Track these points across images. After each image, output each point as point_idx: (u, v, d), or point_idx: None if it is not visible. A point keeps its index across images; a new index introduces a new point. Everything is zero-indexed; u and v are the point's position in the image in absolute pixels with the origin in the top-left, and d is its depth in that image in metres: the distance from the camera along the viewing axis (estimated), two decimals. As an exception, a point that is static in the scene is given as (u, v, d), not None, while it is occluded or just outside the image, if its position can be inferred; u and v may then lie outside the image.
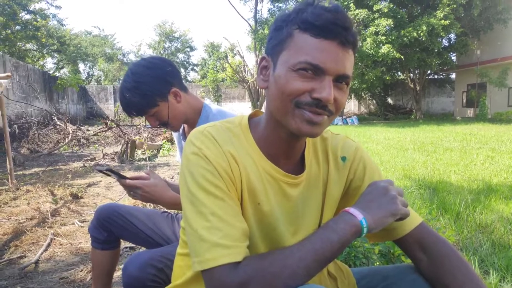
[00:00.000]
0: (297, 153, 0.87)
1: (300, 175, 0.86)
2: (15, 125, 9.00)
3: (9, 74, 4.61)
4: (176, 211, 1.67)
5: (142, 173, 1.37)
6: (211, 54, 24.07)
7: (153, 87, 1.32)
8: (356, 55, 0.78)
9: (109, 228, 1.52)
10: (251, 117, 0.89)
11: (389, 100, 24.95)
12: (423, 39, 16.51)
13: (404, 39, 16.51)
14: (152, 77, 1.33)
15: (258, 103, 19.60)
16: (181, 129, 1.59)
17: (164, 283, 1.15)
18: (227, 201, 0.74)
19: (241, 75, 20.26)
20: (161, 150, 8.01)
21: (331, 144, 0.92)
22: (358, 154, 0.93)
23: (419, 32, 16.27)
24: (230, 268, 0.68)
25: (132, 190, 1.29)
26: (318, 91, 0.72)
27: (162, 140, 8.96)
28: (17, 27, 20.28)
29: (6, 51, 17.42)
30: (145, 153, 7.28)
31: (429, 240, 0.84)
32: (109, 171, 1.30)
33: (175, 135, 1.68)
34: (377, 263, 1.60)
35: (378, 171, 0.94)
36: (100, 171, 1.29)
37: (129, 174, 5.48)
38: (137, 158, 6.98)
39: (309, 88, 0.73)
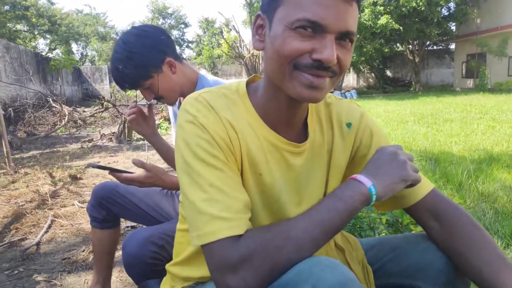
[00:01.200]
0: (299, 120, 0.81)
1: (303, 143, 0.80)
2: (10, 108, 8.88)
3: (0, 55, 4.49)
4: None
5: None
6: (206, 30, 23.63)
7: (147, 57, 1.24)
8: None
9: (108, 207, 1.49)
10: (248, 83, 0.83)
11: (388, 73, 24.69)
12: (422, 9, 16.18)
13: (403, 9, 16.18)
14: (145, 46, 1.24)
15: (255, 79, 19.34)
16: (177, 103, 1.53)
17: (165, 260, 1.11)
18: (226, 172, 0.69)
19: (237, 51, 19.92)
20: (158, 129, 7.95)
21: (335, 110, 0.86)
22: (363, 120, 0.88)
23: (418, 1, 15.92)
24: (231, 241, 0.63)
25: (129, 184, 1.25)
26: (319, 51, 0.65)
27: (160, 119, 8.88)
28: (6, 7, 19.78)
29: (-4, 32, 17.05)
30: (143, 132, 7.20)
31: (442, 207, 0.80)
32: (101, 168, 1.27)
33: (170, 112, 1.62)
34: (384, 233, 1.58)
35: (385, 138, 0.88)
36: (92, 167, 1.24)
37: (127, 154, 5.45)
38: (135, 138, 6.92)
39: (308, 48, 0.65)
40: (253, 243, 0.63)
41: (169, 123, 8.43)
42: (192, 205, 0.67)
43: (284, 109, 0.77)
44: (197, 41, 30.20)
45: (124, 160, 5.02)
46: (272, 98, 0.76)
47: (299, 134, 0.82)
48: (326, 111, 0.86)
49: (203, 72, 1.43)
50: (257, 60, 19.39)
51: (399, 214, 1.63)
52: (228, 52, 20.70)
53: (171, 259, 1.08)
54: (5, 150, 4.53)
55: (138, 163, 1.25)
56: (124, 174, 1.24)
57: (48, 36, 27.31)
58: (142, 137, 6.83)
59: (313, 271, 0.58)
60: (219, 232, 0.64)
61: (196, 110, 0.72)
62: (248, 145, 0.74)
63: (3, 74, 11.06)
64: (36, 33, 24.99)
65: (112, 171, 1.24)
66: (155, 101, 1.39)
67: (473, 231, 0.76)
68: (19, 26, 22.77)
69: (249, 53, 19.34)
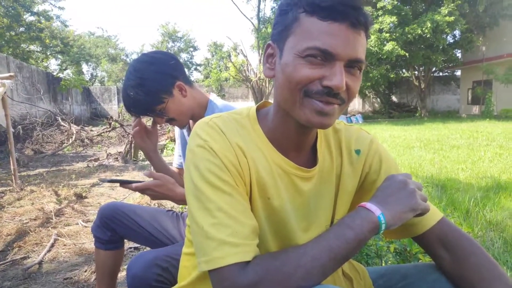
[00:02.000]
0: (308, 145, 0.82)
1: (312, 169, 0.81)
2: (19, 126, 9.00)
3: (12, 74, 4.59)
4: (181, 209, 1.64)
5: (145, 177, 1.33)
6: (214, 53, 24.06)
7: (158, 83, 1.27)
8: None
9: (113, 227, 1.48)
10: (259, 108, 0.85)
11: (394, 98, 24.78)
12: (428, 36, 16.39)
13: (409, 36, 16.41)
14: (156, 73, 1.27)
15: (261, 102, 19.51)
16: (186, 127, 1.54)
17: (169, 283, 1.10)
18: (235, 196, 0.70)
19: (244, 74, 20.20)
20: (164, 150, 7.99)
21: (345, 136, 0.87)
22: (373, 147, 0.88)
23: (423, 29, 16.15)
24: (239, 267, 0.63)
25: (143, 192, 1.25)
26: (329, 78, 0.67)
27: (166, 139, 8.93)
28: (21, 29, 20.37)
29: (10, 52, 17.51)
30: (149, 152, 7.23)
31: (451, 237, 0.79)
32: (112, 181, 1.29)
33: (176, 133, 1.64)
34: (392, 262, 1.54)
35: (395, 165, 0.89)
36: (103, 182, 1.27)
37: (133, 174, 5.45)
38: (140, 158, 6.95)
39: (318, 75, 0.67)
40: (262, 270, 0.62)
41: (175, 144, 8.47)
42: (200, 230, 0.67)
43: (294, 134, 0.78)
44: (205, 64, 30.73)
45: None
46: (282, 123, 0.78)
47: (308, 159, 0.83)
48: (335, 137, 0.87)
49: (213, 96, 1.45)
50: (263, 84, 19.63)
51: (408, 243, 1.60)
52: (235, 75, 20.99)
53: (175, 282, 1.07)
54: (12, 167, 4.56)
55: (147, 174, 1.27)
56: (135, 184, 1.24)
57: (60, 56, 27.96)
58: (148, 157, 6.86)
59: None
60: (227, 257, 0.64)
61: (207, 134, 0.74)
62: (257, 170, 0.75)
63: (15, 93, 11.28)
64: (48, 53, 25.59)
65: (123, 183, 1.25)
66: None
67: (484, 262, 0.75)
68: (32, 47, 23.37)
69: (256, 76, 19.60)
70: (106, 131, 9.90)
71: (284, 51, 0.71)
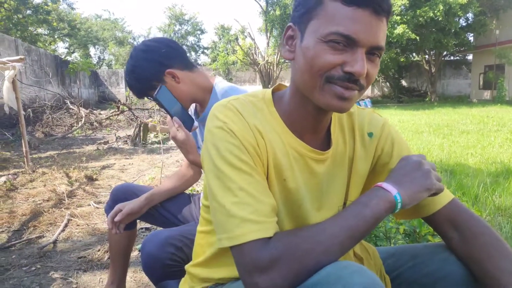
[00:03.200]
0: (323, 128, 0.83)
1: (326, 151, 0.82)
2: (29, 109, 9.09)
3: (22, 57, 4.62)
4: (191, 191, 1.65)
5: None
6: (221, 36, 23.82)
7: (147, 71, 1.32)
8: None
9: (126, 208, 1.51)
10: (274, 91, 0.85)
11: (403, 83, 24.47)
12: (440, 19, 16.04)
13: (420, 19, 16.06)
14: (146, 60, 1.32)
15: (269, 86, 19.43)
16: (193, 109, 1.56)
17: (183, 261, 1.13)
18: (255, 176, 0.71)
19: (252, 58, 20.05)
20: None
21: (358, 120, 0.88)
22: (385, 130, 0.89)
23: (435, 11, 15.79)
24: (261, 243, 0.65)
25: (177, 128, 1.22)
26: (351, 65, 0.67)
27: (174, 123, 8.96)
28: (28, 12, 20.32)
29: (18, 35, 17.51)
30: (157, 136, 7.30)
31: (461, 217, 0.80)
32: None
33: None
34: (401, 243, 1.56)
35: (407, 147, 0.89)
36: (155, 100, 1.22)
37: (142, 156, 5.51)
38: (149, 141, 7.01)
39: (340, 61, 0.68)
40: (282, 246, 0.64)
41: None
42: (222, 208, 0.69)
43: (310, 117, 0.79)
44: (213, 48, 30.46)
45: (139, 163, 5.09)
46: (298, 106, 0.78)
47: (323, 141, 0.84)
48: (349, 120, 0.88)
49: (218, 79, 1.45)
50: (271, 67, 19.49)
51: (417, 224, 1.62)
52: (243, 58, 20.85)
53: (188, 260, 1.10)
54: (24, 149, 4.64)
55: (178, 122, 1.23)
56: (174, 125, 1.22)
57: (67, 39, 27.93)
58: (156, 141, 6.91)
59: (342, 274, 0.59)
60: (249, 234, 0.66)
61: (226, 116, 0.75)
62: (274, 151, 0.76)
63: (24, 76, 11.35)
64: (56, 36, 25.57)
65: (167, 111, 1.23)
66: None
67: (493, 241, 0.76)
68: (40, 30, 23.35)
69: (264, 60, 19.44)
70: (115, 115, 9.97)
71: (305, 34, 0.71)
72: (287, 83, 0.87)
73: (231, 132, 0.73)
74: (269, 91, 0.84)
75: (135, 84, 1.34)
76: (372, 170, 0.89)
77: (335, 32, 0.66)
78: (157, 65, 1.31)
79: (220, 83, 1.40)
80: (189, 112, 1.56)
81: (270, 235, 0.67)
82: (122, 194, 1.52)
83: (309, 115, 0.78)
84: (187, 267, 0.97)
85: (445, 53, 20.83)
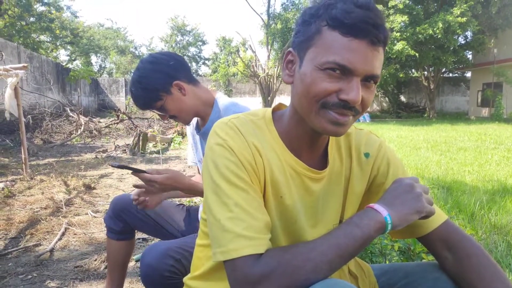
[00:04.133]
0: (320, 148, 0.86)
1: (323, 170, 0.84)
2: (29, 116, 9.12)
3: (25, 64, 4.66)
4: (188, 202, 1.67)
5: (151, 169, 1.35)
6: (222, 48, 24.01)
7: (154, 81, 1.34)
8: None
9: (125, 219, 1.53)
10: (274, 110, 0.89)
11: (402, 98, 24.64)
12: (439, 36, 16.23)
13: (419, 36, 16.26)
14: (154, 71, 1.34)
15: (269, 98, 19.53)
16: (194, 123, 1.58)
17: (181, 273, 1.15)
18: (251, 193, 0.74)
19: (252, 70, 20.20)
20: (172, 144, 8.06)
21: (355, 140, 0.91)
22: (382, 151, 0.91)
23: (435, 29, 16.00)
24: (253, 259, 0.67)
25: (150, 184, 1.29)
26: (346, 92, 0.70)
27: (173, 133, 9.00)
28: (32, 19, 20.53)
29: (20, 42, 17.64)
30: (156, 145, 7.32)
31: (454, 238, 0.82)
32: (122, 167, 1.32)
33: (188, 131, 1.68)
34: (396, 260, 1.57)
35: (403, 168, 0.92)
36: (113, 167, 1.30)
37: (140, 166, 5.52)
38: (148, 151, 7.02)
39: (336, 88, 0.71)
40: (273, 262, 0.66)
41: (183, 137, 8.54)
42: (217, 223, 0.71)
43: (307, 137, 0.82)
44: (214, 59, 30.69)
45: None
46: (296, 127, 0.82)
47: (320, 161, 0.86)
48: (346, 140, 0.90)
49: (219, 94, 1.49)
50: (271, 80, 19.62)
51: (412, 242, 1.64)
52: (243, 70, 21.01)
53: (187, 272, 1.12)
54: (23, 156, 4.65)
55: (154, 171, 1.30)
56: (145, 174, 1.28)
57: (69, 47, 28.17)
58: (155, 150, 6.92)
59: None
60: (242, 249, 0.68)
61: (226, 134, 0.78)
62: (272, 169, 0.79)
63: (25, 82, 11.40)
64: (58, 44, 25.79)
65: (134, 171, 1.29)
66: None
67: (485, 263, 0.78)
68: (42, 37, 23.56)
69: (264, 72, 19.60)
70: (114, 123, 10.00)
71: (304, 61, 0.75)
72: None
73: (230, 149, 0.76)
74: (269, 110, 0.87)
75: (142, 94, 1.35)
76: (368, 189, 0.91)
77: (332, 61, 0.69)
78: (165, 76, 1.34)
79: (221, 98, 1.43)
80: (191, 126, 1.59)
81: (262, 251, 0.69)
82: (122, 204, 1.53)
83: (306, 135, 0.82)
84: (185, 279, 0.98)
85: (444, 70, 21.03)
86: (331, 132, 0.74)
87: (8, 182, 4.23)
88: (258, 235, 0.70)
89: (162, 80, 1.34)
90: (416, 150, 6.80)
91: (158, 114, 1.43)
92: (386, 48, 0.76)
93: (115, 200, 1.56)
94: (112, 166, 1.30)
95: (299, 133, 0.82)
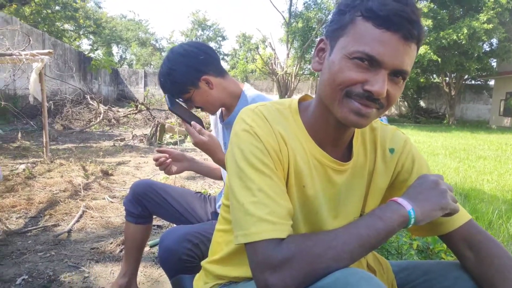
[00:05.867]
0: (345, 141, 0.86)
1: (347, 163, 0.84)
2: (50, 101, 9.32)
3: (51, 50, 4.76)
4: (204, 192, 1.69)
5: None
6: (242, 44, 24.08)
7: (184, 76, 1.35)
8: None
9: (144, 204, 1.56)
10: (300, 101, 0.89)
11: (422, 103, 24.22)
12: (463, 42, 15.89)
13: (443, 41, 15.94)
14: (184, 65, 1.35)
15: (286, 96, 19.49)
16: (218, 113, 1.60)
17: (198, 258, 1.17)
18: (275, 179, 0.75)
19: (271, 67, 20.18)
20: (188, 136, 8.13)
21: (380, 135, 0.91)
22: (407, 147, 0.91)
23: (459, 34, 15.66)
24: (275, 243, 0.68)
25: (198, 133, 1.30)
26: (371, 84, 0.70)
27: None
28: (57, 7, 20.92)
29: (45, 30, 18.00)
30: (173, 137, 7.39)
31: (477, 238, 0.81)
32: (178, 113, 1.33)
33: (211, 119, 1.69)
34: (412, 258, 1.56)
35: (427, 166, 0.91)
36: (170, 110, 1.32)
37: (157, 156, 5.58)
38: (165, 142, 7.10)
39: (362, 79, 0.71)
40: (295, 248, 0.67)
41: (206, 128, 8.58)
42: (241, 206, 0.72)
43: (332, 129, 0.82)
44: (233, 55, 30.79)
45: (153, 162, 5.15)
46: (321, 117, 0.82)
47: (344, 153, 0.87)
48: (371, 135, 0.90)
49: (246, 86, 1.50)
50: (289, 78, 19.57)
51: (431, 241, 1.62)
52: (262, 67, 21.00)
53: (204, 257, 1.13)
54: (44, 140, 4.76)
55: (197, 126, 1.32)
56: (193, 129, 1.31)
57: (91, 37, 28.61)
58: (172, 142, 7.00)
59: (349, 280, 0.61)
60: (264, 233, 0.69)
61: (252, 120, 0.79)
62: (295, 158, 0.80)
63: (48, 69, 11.66)
64: (81, 33, 26.23)
65: (183, 119, 1.33)
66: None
67: (508, 265, 0.77)
68: (66, 26, 23.99)
69: (282, 70, 19.55)
70: (133, 113, 10.14)
71: (334, 49, 0.75)
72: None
73: (256, 135, 0.77)
74: (295, 100, 0.88)
75: (170, 87, 1.37)
76: (391, 185, 0.91)
77: (361, 51, 0.69)
78: (194, 71, 1.35)
79: (248, 91, 1.44)
80: (216, 116, 1.61)
81: (284, 236, 0.69)
82: (141, 189, 1.56)
83: (331, 126, 0.81)
84: (203, 263, 1.00)
85: (466, 76, 20.58)
86: (352, 122, 0.74)
87: (29, 164, 4.34)
88: (281, 221, 0.71)
89: (190, 75, 1.35)
90: (434, 156, 6.69)
91: (185, 104, 1.45)
92: None
93: (135, 185, 1.59)
94: (170, 109, 1.32)
95: (324, 124, 0.82)
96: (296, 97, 0.90)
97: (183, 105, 1.41)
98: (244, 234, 0.71)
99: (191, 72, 1.35)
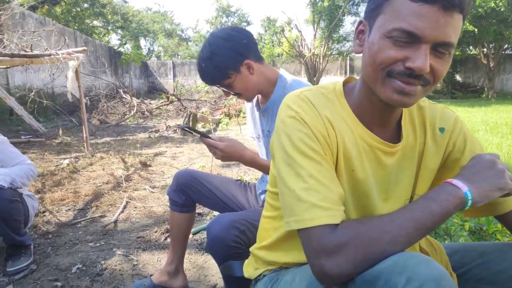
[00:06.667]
0: (393, 122, 0.84)
1: (397, 144, 0.83)
2: (86, 97, 9.63)
3: (85, 48, 4.93)
4: (241, 178, 1.71)
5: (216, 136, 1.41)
6: (267, 28, 23.76)
7: (226, 60, 1.34)
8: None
9: (187, 193, 1.60)
10: (345, 83, 0.87)
11: (458, 77, 23.12)
12: (502, 9, 14.92)
13: (479, 9, 15.05)
14: (227, 49, 1.34)
15: (314, 78, 19.17)
16: (254, 101, 1.60)
17: (245, 244, 1.19)
18: (324, 165, 0.74)
19: (298, 50, 19.86)
20: (219, 125, 8.21)
21: (429, 114, 0.88)
22: (458, 126, 0.88)
23: (497, 1, 14.71)
24: (329, 229, 0.68)
25: (212, 150, 1.35)
26: (412, 60, 0.68)
27: (221, 114, 9.15)
28: (85, 5, 21.47)
29: (76, 28, 18.55)
30: (205, 126, 7.50)
31: None
32: (189, 130, 1.38)
33: (247, 108, 1.70)
34: (464, 240, 1.51)
35: (480, 145, 0.88)
36: (180, 129, 1.36)
37: (191, 145, 5.69)
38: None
39: (402, 56, 0.69)
40: (350, 233, 0.67)
41: (230, 118, 8.66)
42: (292, 193, 0.73)
43: (378, 110, 0.80)
44: (258, 40, 30.49)
45: (189, 151, 5.27)
46: (366, 99, 0.80)
47: (392, 134, 0.85)
48: (420, 114, 0.88)
49: (282, 71, 1.49)
50: (317, 60, 19.20)
51: (485, 222, 1.56)
52: (288, 51, 20.70)
53: (250, 244, 1.16)
54: (84, 135, 4.96)
55: (217, 138, 1.36)
56: (209, 140, 1.34)
57: (120, 31, 29.23)
58: (205, 131, 7.10)
59: (408, 264, 0.60)
60: (318, 219, 0.69)
61: (298, 106, 0.78)
62: (344, 142, 0.79)
63: (81, 66, 12.05)
64: (109, 28, 26.85)
65: (201, 135, 1.35)
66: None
67: None
68: (95, 22, 24.62)
69: (310, 52, 19.21)
70: (164, 104, 10.34)
71: (372, 29, 0.73)
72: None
73: (303, 121, 0.76)
74: (340, 83, 0.86)
75: (211, 71, 1.36)
76: (442, 165, 0.88)
77: (398, 29, 0.67)
78: (237, 55, 1.34)
79: (284, 76, 1.43)
80: (252, 104, 1.61)
81: (338, 222, 0.69)
82: (184, 179, 1.60)
83: (377, 107, 0.80)
84: (252, 249, 1.02)
85: (506, 46, 19.38)
86: (397, 101, 0.72)
87: (72, 159, 4.55)
88: (333, 206, 0.71)
89: (233, 59, 1.33)
90: (474, 132, 6.40)
91: (223, 91, 1.45)
92: None
93: (178, 175, 1.63)
94: (179, 128, 1.36)
95: (369, 105, 0.81)
96: (340, 80, 0.88)
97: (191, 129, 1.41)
98: (297, 220, 0.71)
99: (234, 56, 1.33)
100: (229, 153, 1.32)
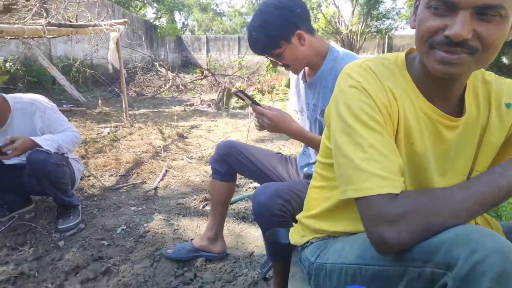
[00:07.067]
0: (455, 95, 0.81)
1: (459, 118, 0.80)
2: (124, 69, 9.89)
3: (126, 20, 5.01)
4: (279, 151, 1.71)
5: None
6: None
7: (278, 29, 1.30)
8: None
9: (229, 162, 1.63)
10: (406, 54, 0.85)
11: (504, 60, 21.79)
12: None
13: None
14: (279, 18, 1.30)
15: (350, 57, 18.62)
16: (301, 74, 1.58)
17: (289, 213, 1.21)
18: (385, 136, 0.74)
19: (334, 26, 19.28)
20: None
21: (495, 89, 0.84)
22: None
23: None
24: (389, 198, 0.68)
25: (260, 118, 1.34)
26: (449, 28, 0.66)
27: (254, 90, 9.13)
28: (123, -22, 21.68)
29: (114, 0, 18.84)
30: (239, 102, 7.52)
31: None
32: (242, 94, 1.37)
33: (292, 80, 1.68)
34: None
35: None
36: (235, 94, 1.37)
37: (225, 119, 5.75)
38: (231, 106, 7.26)
39: (441, 25, 0.68)
40: (411, 203, 0.66)
41: (263, 94, 8.63)
42: (350, 162, 0.73)
43: (435, 83, 0.78)
44: (293, 15, 29.81)
45: (223, 125, 5.34)
46: (424, 72, 0.79)
47: (454, 108, 0.82)
48: (484, 88, 0.84)
49: (333, 43, 1.45)
50: (354, 37, 18.60)
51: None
52: (325, 27, 20.13)
53: (295, 213, 1.18)
54: (123, 105, 5.12)
55: (267, 107, 1.35)
56: (259, 107, 1.34)
57: (155, 5, 29.40)
58: (238, 106, 7.13)
59: (472, 236, 0.59)
60: (378, 188, 0.69)
61: (360, 76, 0.77)
62: (405, 114, 0.77)
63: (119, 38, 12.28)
64: (145, 1, 27.05)
65: (252, 101, 1.36)
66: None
67: None
68: (132, -5, 24.87)
69: (347, 29, 18.62)
70: (199, 79, 10.42)
71: (420, 3, 0.73)
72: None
73: (364, 91, 0.75)
74: (402, 54, 0.84)
75: (262, 40, 1.33)
76: (506, 142, 0.85)
77: None
78: (289, 25, 1.31)
79: (335, 49, 1.40)
80: (297, 77, 1.59)
81: (398, 192, 0.69)
82: (226, 149, 1.64)
83: (432, 80, 0.78)
84: (299, 217, 1.04)
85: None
86: (440, 72, 0.71)
87: (112, 128, 4.73)
88: (393, 176, 0.70)
89: (285, 28, 1.30)
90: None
91: (271, 61, 1.44)
92: None
93: (220, 145, 1.67)
94: (234, 93, 1.37)
95: (427, 78, 0.79)
96: (402, 52, 0.86)
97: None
98: (355, 189, 0.71)
99: (286, 25, 1.30)
100: (277, 123, 1.32)
